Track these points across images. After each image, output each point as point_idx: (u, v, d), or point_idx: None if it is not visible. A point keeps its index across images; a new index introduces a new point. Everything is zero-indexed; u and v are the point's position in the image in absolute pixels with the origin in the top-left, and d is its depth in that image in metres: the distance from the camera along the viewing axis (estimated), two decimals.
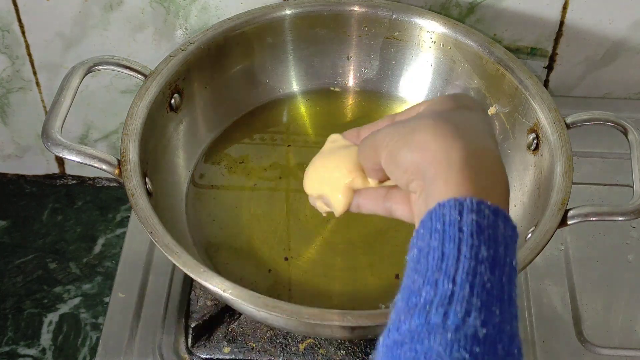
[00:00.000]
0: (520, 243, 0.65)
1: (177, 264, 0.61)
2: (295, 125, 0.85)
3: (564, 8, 0.86)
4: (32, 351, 0.92)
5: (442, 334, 0.40)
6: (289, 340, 0.72)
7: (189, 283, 0.75)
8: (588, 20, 0.87)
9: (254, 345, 0.72)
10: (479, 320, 0.40)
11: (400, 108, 0.85)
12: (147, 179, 0.68)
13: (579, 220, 0.65)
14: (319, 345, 0.72)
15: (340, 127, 0.85)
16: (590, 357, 0.73)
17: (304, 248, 0.74)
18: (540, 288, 0.77)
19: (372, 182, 0.56)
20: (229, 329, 0.73)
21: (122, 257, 0.79)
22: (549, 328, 0.74)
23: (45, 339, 0.93)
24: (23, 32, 0.90)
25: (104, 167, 0.66)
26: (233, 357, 0.71)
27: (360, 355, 0.71)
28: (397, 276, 0.72)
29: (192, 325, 0.71)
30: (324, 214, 0.61)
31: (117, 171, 0.66)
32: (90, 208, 1.04)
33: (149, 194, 0.67)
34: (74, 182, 1.07)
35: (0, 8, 0.87)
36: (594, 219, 0.66)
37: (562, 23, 0.87)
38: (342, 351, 0.71)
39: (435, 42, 0.81)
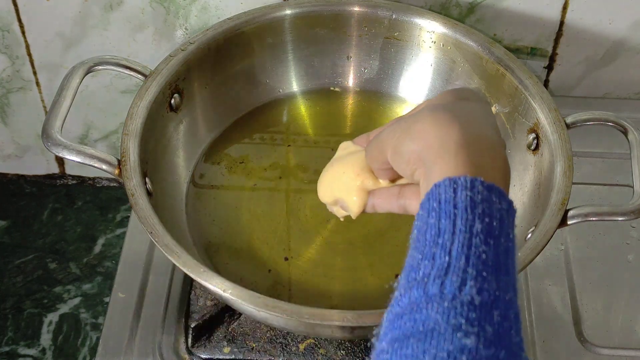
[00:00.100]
0: (520, 243, 0.66)
1: (177, 264, 0.61)
2: (295, 125, 0.85)
3: (564, 8, 0.86)
4: (32, 351, 0.92)
5: (439, 302, 0.41)
6: (289, 340, 0.72)
7: (189, 283, 0.75)
8: (588, 20, 0.87)
9: (254, 345, 0.72)
10: (475, 288, 0.42)
11: (400, 108, 0.85)
12: (147, 179, 0.68)
13: (579, 220, 0.65)
14: (319, 345, 0.72)
15: (340, 127, 0.86)
16: (590, 357, 0.73)
17: (304, 248, 0.74)
18: (540, 288, 0.77)
19: (383, 183, 0.58)
20: (229, 329, 0.73)
21: (122, 257, 0.79)
22: (549, 328, 0.74)
23: (45, 339, 0.93)
24: (23, 32, 0.90)
25: (104, 167, 0.66)
26: (233, 357, 0.71)
27: (360, 355, 0.71)
28: (397, 276, 0.72)
29: (192, 325, 0.71)
30: (342, 219, 0.63)
31: (117, 171, 0.66)
32: (90, 208, 1.04)
33: (149, 194, 0.67)
34: (74, 182, 1.07)
35: (0, 8, 0.87)
36: (594, 219, 0.66)
37: (562, 23, 0.87)
38: (342, 351, 0.71)
39: (435, 42, 0.82)
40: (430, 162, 0.48)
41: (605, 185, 0.86)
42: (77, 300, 0.96)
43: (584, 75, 0.93)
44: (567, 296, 0.77)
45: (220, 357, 0.71)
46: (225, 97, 0.83)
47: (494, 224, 0.44)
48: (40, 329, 0.93)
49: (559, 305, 0.76)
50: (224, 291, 0.59)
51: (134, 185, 0.65)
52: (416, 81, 0.84)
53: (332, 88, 0.87)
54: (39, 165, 1.05)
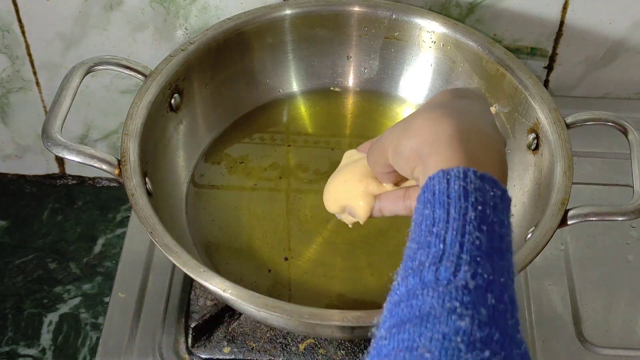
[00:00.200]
0: (520, 243, 0.66)
1: (177, 264, 0.61)
2: (295, 125, 0.85)
3: (564, 8, 0.86)
4: (32, 351, 0.92)
5: (434, 288, 0.42)
6: (289, 340, 0.72)
7: (189, 283, 0.75)
8: (588, 20, 0.87)
9: (254, 345, 0.72)
10: (469, 273, 0.43)
11: (400, 108, 0.85)
12: (147, 179, 0.68)
13: (579, 220, 0.65)
14: (319, 345, 0.72)
15: (340, 127, 0.86)
16: (590, 357, 0.73)
17: (304, 248, 0.74)
18: (540, 288, 0.77)
19: (387, 187, 0.59)
20: (229, 329, 0.73)
21: (122, 257, 0.79)
22: (549, 328, 0.74)
23: (45, 339, 0.93)
24: (23, 32, 0.90)
25: (104, 167, 0.66)
26: (233, 357, 0.71)
27: (360, 355, 0.71)
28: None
29: (192, 325, 0.71)
30: (350, 225, 0.64)
31: (117, 171, 0.66)
32: (90, 208, 1.04)
33: (149, 194, 0.67)
34: (74, 182, 1.07)
35: (0, 8, 0.87)
36: (594, 219, 0.66)
37: (562, 23, 0.87)
38: (342, 351, 0.71)
39: (435, 42, 0.82)
40: (426, 156, 0.49)
41: (605, 185, 0.86)
42: (77, 300, 0.96)
43: (584, 75, 0.93)
44: (567, 296, 0.77)
45: (220, 357, 0.71)
46: (225, 97, 0.83)
47: (487, 211, 0.45)
48: (40, 329, 0.93)
49: (559, 305, 0.76)
50: (224, 291, 0.59)
51: (134, 185, 0.65)
52: (416, 81, 0.84)
53: (332, 88, 0.87)
54: (39, 165, 1.05)
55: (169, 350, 0.72)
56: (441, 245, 0.44)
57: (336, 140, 0.84)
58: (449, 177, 0.46)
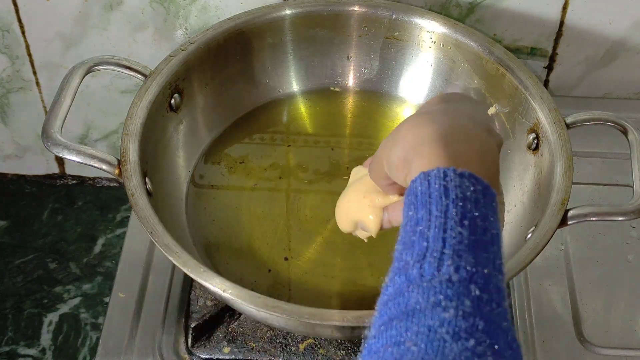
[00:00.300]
0: (520, 243, 0.66)
1: (177, 264, 0.61)
2: (295, 125, 0.85)
3: (564, 8, 0.86)
4: (32, 351, 0.92)
5: (419, 284, 0.44)
6: (289, 340, 0.72)
7: (189, 283, 0.75)
8: (588, 20, 0.87)
9: (254, 345, 0.72)
10: (452, 267, 0.44)
11: (400, 108, 0.85)
12: (147, 179, 0.68)
13: (579, 220, 0.65)
14: (319, 345, 0.72)
15: (340, 127, 0.86)
16: (590, 357, 0.73)
17: (304, 248, 0.74)
18: (540, 288, 0.77)
19: (394, 198, 0.60)
20: (229, 329, 0.73)
21: (122, 257, 0.79)
22: (549, 328, 0.74)
23: (45, 339, 0.93)
24: (23, 32, 0.90)
25: (104, 167, 0.66)
26: (233, 357, 0.71)
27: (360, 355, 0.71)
28: None
29: (192, 325, 0.71)
30: (365, 240, 0.64)
31: (117, 171, 0.66)
32: (90, 208, 1.04)
33: (149, 194, 0.67)
34: (74, 182, 1.07)
35: (0, 8, 0.87)
36: (594, 219, 0.66)
37: (562, 23, 0.87)
38: (342, 351, 0.71)
39: (435, 42, 0.81)
40: (411, 161, 0.51)
41: (605, 185, 0.86)
42: (77, 300, 0.96)
43: (584, 75, 0.93)
44: (567, 296, 0.77)
45: (220, 357, 0.71)
46: (225, 97, 0.82)
47: (469, 206, 0.46)
48: (40, 329, 0.93)
49: (559, 305, 0.76)
50: (224, 291, 0.59)
51: (134, 185, 0.65)
52: (416, 81, 0.84)
53: (332, 88, 0.87)
54: (39, 165, 1.05)
55: (169, 350, 0.72)
56: (425, 243, 0.45)
57: (336, 140, 0.84)
58: (429, 177, 0.47)
